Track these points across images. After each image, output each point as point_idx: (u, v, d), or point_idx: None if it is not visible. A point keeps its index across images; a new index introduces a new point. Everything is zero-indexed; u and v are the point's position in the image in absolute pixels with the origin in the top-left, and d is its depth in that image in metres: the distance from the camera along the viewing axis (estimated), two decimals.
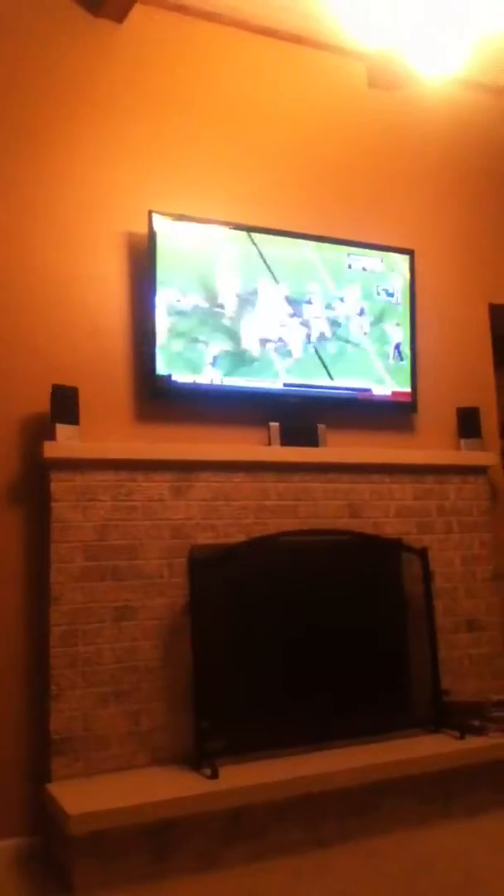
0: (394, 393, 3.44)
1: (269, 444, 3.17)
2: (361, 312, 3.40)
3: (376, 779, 2.75)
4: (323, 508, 3.20)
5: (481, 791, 2.91)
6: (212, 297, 3.12)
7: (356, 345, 3.37)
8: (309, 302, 3.30)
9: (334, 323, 3.34)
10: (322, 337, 3.31)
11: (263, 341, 3.20)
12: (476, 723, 3.03)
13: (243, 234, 3.21)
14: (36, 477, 2.80)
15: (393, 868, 2.48)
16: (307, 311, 3.29)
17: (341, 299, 3.37)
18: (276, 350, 3.22)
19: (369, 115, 3.70)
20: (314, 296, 3.31)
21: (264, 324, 3.21)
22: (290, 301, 3.27)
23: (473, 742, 2.95)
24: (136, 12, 3.16)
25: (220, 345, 3.12)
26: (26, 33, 3.03)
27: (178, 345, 3.04)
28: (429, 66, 3.27)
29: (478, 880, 2.37)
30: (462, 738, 2.97)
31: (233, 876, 2.46)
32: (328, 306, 3.33)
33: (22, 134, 2.98)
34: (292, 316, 3.26)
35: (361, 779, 2.73)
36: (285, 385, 3.22)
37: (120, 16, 3.16)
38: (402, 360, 3.44)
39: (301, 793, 2.64)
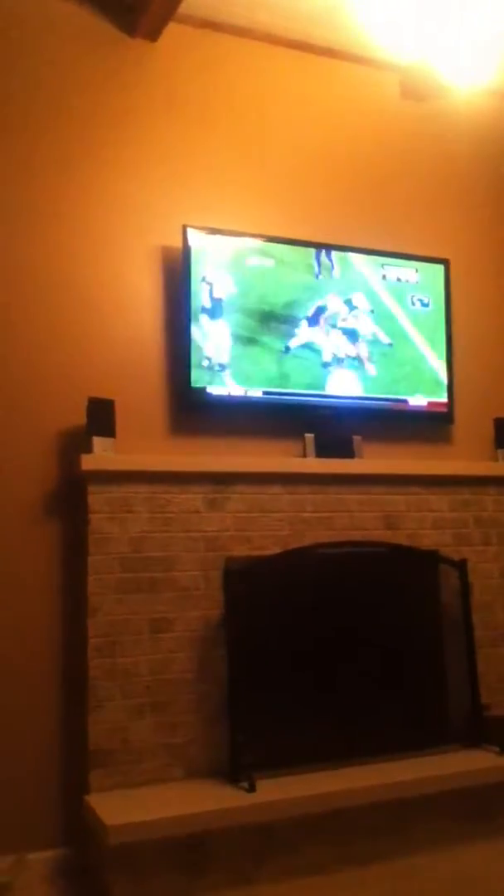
0: (430, 403, 3.42)
1: (305, 455, 3.16)
2: (396, 322, 3.39)
3: (414, 794, 2.72)
4: (359, 520, 3.18)
5: None
6: (245, 310, 3.14)
7: (389, 355, 3.36)
8: (343, 313, 3.30)
9: (370, 332, 3.33)
10: (357, 347, 3.31)
11: (298, 352, 3.20)
12: None
13: (277, 246, 3.22)
14: (73, 489, 2.82)
15: (428, 887, 2.45)
16: (342, 321, 3.29)
17: (372, 311, 3.36)
18: (310, 360, 3.22)
19: (402, 126, 3.70)
20: (348, 306, 3.31)
21: (299, 335, 3.21)
22: (325, 312, 3.27)
23: None
24: (170, 31, 3.20)
25: (254, 357, 3.13)
26: (66, 56, 3.09)
27: (212, 357, 3.06)
28: (461, 76, 3.28)
29: None
30: (503, 753, 2.92)
31: (266, 892, 2.44)
32: (365, 316, 3.33)
33: (60, 151, 3.03)
34: (327, 326, 3.26)
35: (400, 794, 2.70)
36: (312, 396, 3.22)
37: (154, 35, 3.21)
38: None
39: (336, 808, 2.62)
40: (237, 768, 2.68)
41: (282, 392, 3.16)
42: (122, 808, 2.49)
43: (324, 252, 3.30)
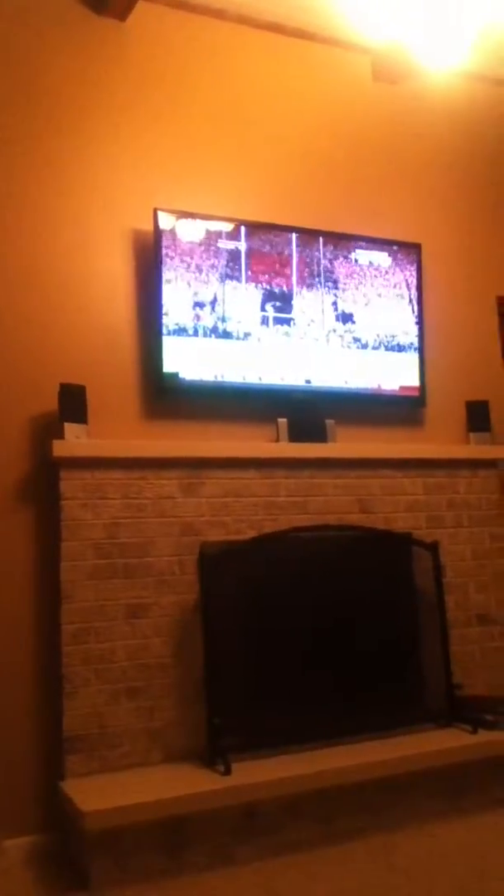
0: (402, 388, 3.43)
1: (278, 440, 3.16)
2: (368, 306, 3.40)
3: (389, 774, 2.76)
4: (333, 504, 3.19)
5: (495, 786, 2.91)
6: (217, 293, 3.12)
7: (361, 339, 3.37)
8: (316, 297, 3.30)
9: (342, 317, 3.34)
10: (328, 331, 3.31)
11: (270, 336, 3.20)
12: (489, 717, 3.02)
13: (248, 229, 3.20)
14: (46, 476, 2.80)
15: (407, 863, 2.48)
16: (313, 305, 3.29)
17: (345, 293, 3.36)
18: (282, 345, 3.21)
19: (374, 109, 3.69)
20: (321, 291, 3.31)
21: (270, 319, 3.20)
22: (299, 296, 3.26)
23: (486, 736, 2.94)
24: (140, 10, 3.16)
25: (226, 341, 3.12)
26: (30, 34, 3.03)
27: (184, 342, 3.05)
28: (433, 58, 3.26)
29: (492, 875, 2.37)
30: (475, 732, 2.96)
31: (247, 872, 2.46)
32: (335, 301, 3.33)
33: (27, 133, 2.98)
34: (299, 310, 3.26)
35: (374, 774, 2.74)
36: (284, 380, 3.22)
37: (123, 14, 3.16)
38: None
39: (314, 788, 2.65)
40: (214, 751, 2.69)
41: (254, 376, 3.15)
42: (97, 794, 2.49)
43: (295, 235, 3.29)
